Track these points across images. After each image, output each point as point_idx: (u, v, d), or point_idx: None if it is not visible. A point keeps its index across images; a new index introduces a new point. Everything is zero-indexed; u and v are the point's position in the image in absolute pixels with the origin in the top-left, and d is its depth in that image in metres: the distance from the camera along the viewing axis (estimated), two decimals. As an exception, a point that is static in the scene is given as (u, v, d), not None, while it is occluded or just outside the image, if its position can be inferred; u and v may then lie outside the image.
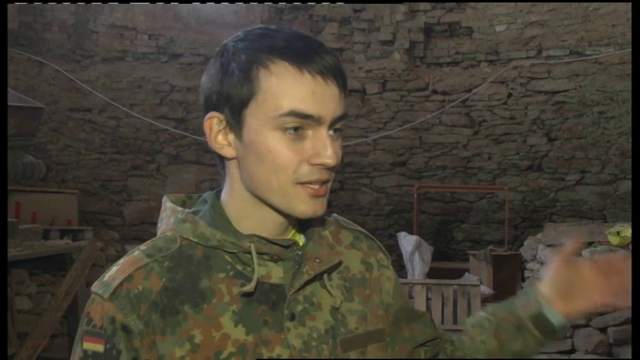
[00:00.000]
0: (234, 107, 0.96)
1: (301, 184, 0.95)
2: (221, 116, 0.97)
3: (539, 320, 1.13)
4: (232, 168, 1.00)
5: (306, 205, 0.96)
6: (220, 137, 0.98)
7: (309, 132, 0.95)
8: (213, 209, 1.01)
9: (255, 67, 0.94)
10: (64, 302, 4.00)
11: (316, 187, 0.96)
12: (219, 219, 1.00)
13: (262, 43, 0.96)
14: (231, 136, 0.98)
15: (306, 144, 0.95)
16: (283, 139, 0.94)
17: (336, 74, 0.96)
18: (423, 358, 1.15)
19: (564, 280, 1.14)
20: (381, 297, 1.10)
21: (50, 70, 7.30)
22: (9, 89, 4.96)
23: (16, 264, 4.11)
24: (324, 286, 1.02)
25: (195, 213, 1.01)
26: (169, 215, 1.02)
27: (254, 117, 0.95)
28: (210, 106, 0.98)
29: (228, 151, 0.99)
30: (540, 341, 1.14)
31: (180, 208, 1.02)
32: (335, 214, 1.13)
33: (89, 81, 7.44)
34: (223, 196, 1.03)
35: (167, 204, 1.04)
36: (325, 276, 1.02)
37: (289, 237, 1.03)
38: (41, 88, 7.26)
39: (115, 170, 7.57)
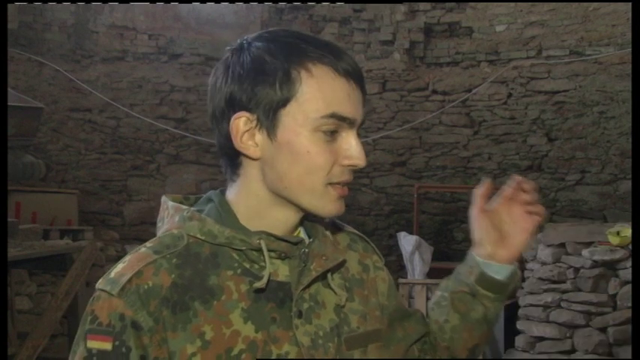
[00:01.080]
0: (270, 107, 0.96)
1: (331, 184, 0.98)
2: (252, 116, 0.97)
3: (485, 280, 1.14)
4: (252, 169, 1.00)
5: (334, 205, 0.99)
6: (246, 137, 0.97)
7: (342, 134, 0.97)
8: (221, 207, 1.01)
9: (295, 68, 0.95)
10: (64, 302, 4.00)
11: (342, 187, 0.99)
12: (228, 216, 1.00)
13: (298, 45, 0.97)
14: (258, 137, 0.97)
15: (338, 145, 0.97)
16: (320, 140, 0.96)
17: (361, 78, 1.00)
18: (416, 355, 1.16)
19: (490, 228, 1.16)
20: (378, 298, 1.12)
21: (50, 70, 7.29)
22: (9, 89, 4.96)
23: (16, 264, 4.11)
24: (327, 285, 1.03)
25: (199, 212, 1.01)
26: (173, 214, 1.02)
27: (291, 118, 0.95)
28: (236, 105, 0.97)
29: (253, 152, 0.98)
30: (496, 299, 1.15)
31: (185, 207, 1.02)
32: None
33: (89, 81, 7.43)
34: (232, 195, 1.02)
35: (168, 203, 1.04)
36: (329, 275, 1.03)
37: (295, 235, 1.04)
38: (41, 88, 7.25)
39: (115, 170, 7.57)
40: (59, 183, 7.22)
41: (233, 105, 0.97)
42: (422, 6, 7.86)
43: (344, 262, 1.06)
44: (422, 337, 1.17)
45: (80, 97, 7.44)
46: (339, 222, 1.15)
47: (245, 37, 1.01)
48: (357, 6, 7.93)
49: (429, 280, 5.41)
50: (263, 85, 0.95)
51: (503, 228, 1.17)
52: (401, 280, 5.34)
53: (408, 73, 7.83)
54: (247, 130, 0.97)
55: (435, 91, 7.78)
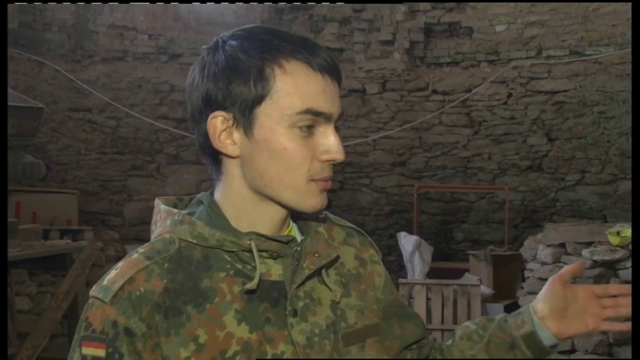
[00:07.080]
0: (246, 106, 0.96)
1: (314, 180, 0.98)
2: (228, 115, 0.97)
3: (532, 339, 1.14)
4: (232, 167, 1.00)
5: (315, 199, 0.99)
6: (223, 136, 0.98)
7: (319, 129, 0.97)
8: (210, 209, 1.01)
9: (269, 65, 0.95)
10: (64, 302, 4.00)
11: (324, 181, 0.99)
12: (217, 218, 1.00)
13: (271, 41, 0.97)
14: (236, 135, 0.97)
15: (315, 141, 0.97)
16: (297, 136, 0.96)
17: (337, 72, 1.00)
18: (409, 358, 1.16)
19: (560, 301, 1.14)
20: (375, 292, 1.11)
21: (50, 70, 7.30)
22: (9, 89, 4.95)
23: (16, 264, 4.11)
24: (322, 282, 1.03)
25: (190, 214, 1.01)
26: (165, 218, 1.02)
27: (267, 115, 0.96)
28: (212, 104, 0.97)
29: (232, 150, 0.98)
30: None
31: (176, 210, 1.01)
32: (326, 212, 1.13)
33: (89, 81, 7.44)
34: (218, 195, 1.03)
35: (161, 206, 1.04)
36: (324, 271, 1.03)
37: (286, 233, 1.04)
38: (41, 88, 7.25)
39: (115, 170, 7.57)
40: (59, 183, 7.22)
41: (209, 104, 0.97)
42: (422, 6, 7.86)
43: (337, 258, 1.06)
44: (417, 342, 1.17)
45: (80, 97, 7.44)
46: (335, 217, 1.14)
47: (221, 36, 1.01)
48: (357, 6, 7.93)
49: (429, 280, 5.41)
50: (237, 83, 0.95)
51: (570, 307, 1.15)
52: (401, 280, 5.34)
53: (408, 73, 7.83)
54: (225, 129, 0.97)
55: (435, 91, 7.78)
